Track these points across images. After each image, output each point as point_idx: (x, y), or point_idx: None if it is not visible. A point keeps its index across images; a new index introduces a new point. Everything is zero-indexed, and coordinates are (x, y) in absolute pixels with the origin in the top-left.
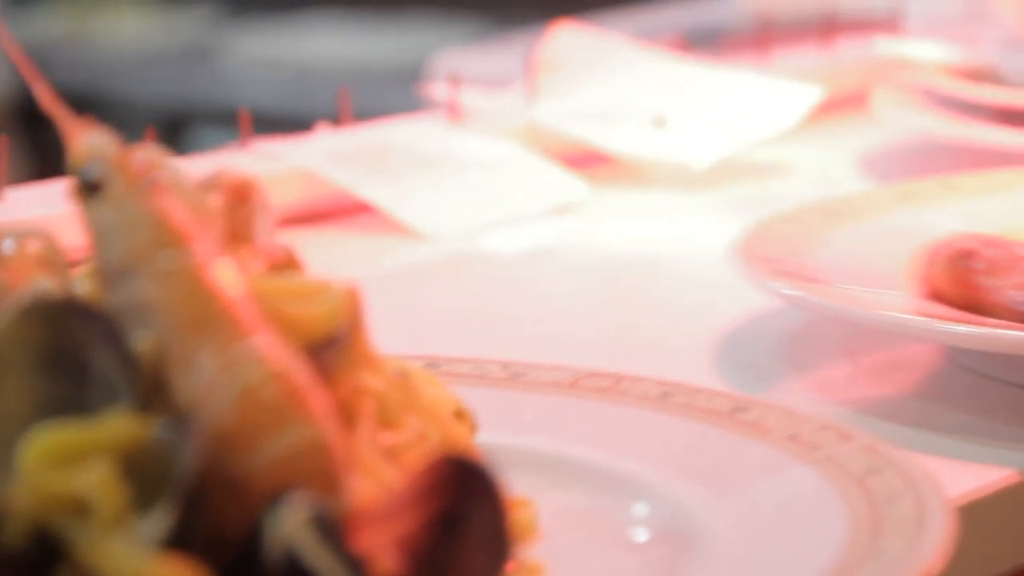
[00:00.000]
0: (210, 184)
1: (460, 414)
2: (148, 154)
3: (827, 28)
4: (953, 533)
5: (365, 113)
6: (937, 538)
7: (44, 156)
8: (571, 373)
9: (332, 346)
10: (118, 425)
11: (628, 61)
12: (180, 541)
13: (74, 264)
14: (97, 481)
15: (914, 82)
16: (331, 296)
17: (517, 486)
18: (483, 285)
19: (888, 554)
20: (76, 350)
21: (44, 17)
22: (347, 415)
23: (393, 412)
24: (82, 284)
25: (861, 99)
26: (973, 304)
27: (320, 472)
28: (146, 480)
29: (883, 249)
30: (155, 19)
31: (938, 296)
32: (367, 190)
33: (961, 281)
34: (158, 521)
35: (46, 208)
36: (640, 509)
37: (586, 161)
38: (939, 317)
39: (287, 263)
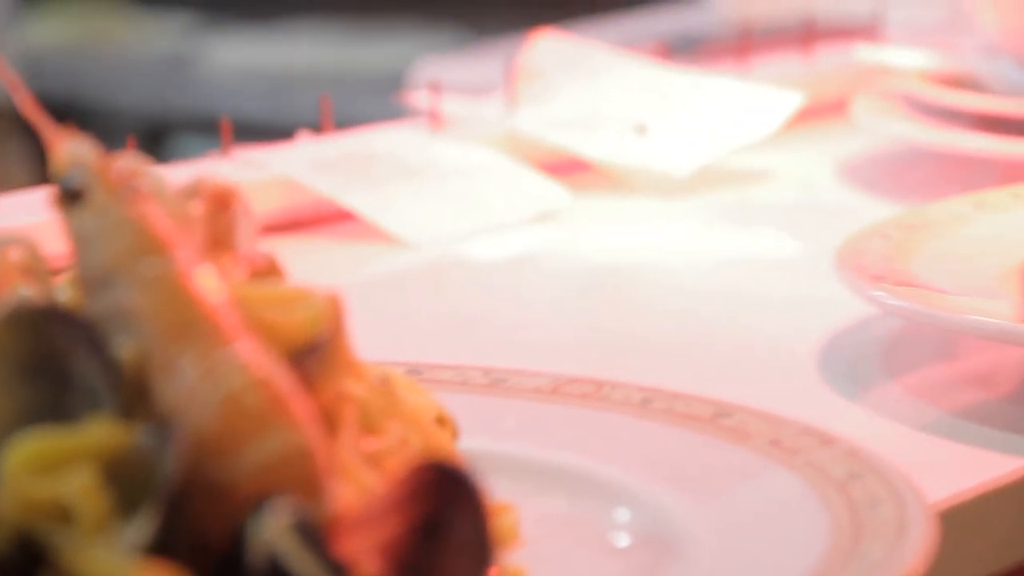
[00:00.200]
0: (191, 191)
1: (442, 420)
2: (129, 162)
3: (807, 35)
4: (934, 539)
5: (346, 121)
6: (917, 544)
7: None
8: (552, 379)
9: (314, 353)
10: (100, 432)
11: (609, 68)
12: (163, 547)
13: (56, 272)
14: (79, 487)
15: (894, 89)
16: (313, 303)
17: (499, 492)
18: (465, 292)
19: (869, 559)
20: (58, 357)
21: (34, 26)
22: (329, 421)
23: (375, 418)
24: (64, 291)
25: (841, 106)
26: None
27: (303, 478)
28: (129, 486)
29: (974, 258)
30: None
31: None
32: (349, 198)
33: None
34: (141, 527)
35: (28, 216)
36: (622, 514)
37: (567, 168)
38: None
39: (269, 270)
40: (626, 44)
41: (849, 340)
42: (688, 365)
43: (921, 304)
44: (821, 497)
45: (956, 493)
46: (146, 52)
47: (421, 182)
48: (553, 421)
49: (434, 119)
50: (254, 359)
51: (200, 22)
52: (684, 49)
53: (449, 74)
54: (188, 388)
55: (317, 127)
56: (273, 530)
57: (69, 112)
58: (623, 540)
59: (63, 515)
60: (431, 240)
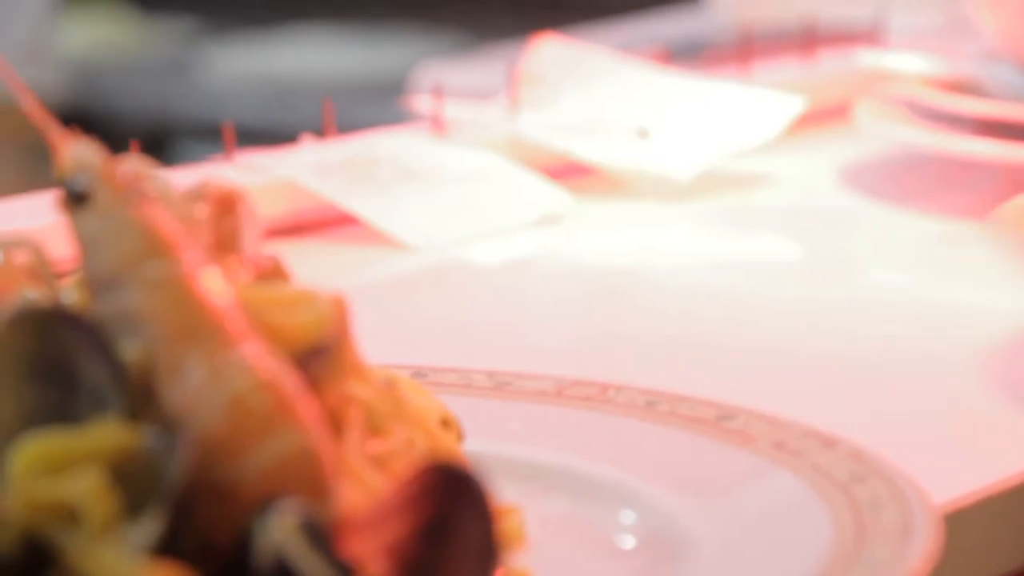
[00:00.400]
0: (196, 194)
1: (447, 423)
2: (134, 165)
3: (809, 40)
4: (938, 541)
5: (349, 126)
6: (921, 546)
7: None
8: (556, 382)
9: (319, 355)
10: (107, 433)
11: (611, 73)
12: (170, 548)
13: (62, 275)
14: (87, 489)
15: (896, 94)
16: (318, 305)
17: (504, 494)
18: (468, 296)
19: (872, 562)
20: (64, 359)
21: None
22: (335, 423)
23: (380, 421)
24: (70, 294)
25: (843, 111)
26: None
27: (309, 479)
28: (135, 488)
29: None
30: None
31: None
32: (352, 202)
33: None
34: (147, 528)
35: (34, 220)
36: (626, 517)
37: (569, 172)
38: None
39: (274, 272)
40: (628, 49)
41: (851, 343)
42: (691, 368)
43: None
44: (825, 499)
45: (960, 496)
46: (149, 58)
47: (424, 186)
48: (557, 424)
49: (437, 124)
50: (260, 361)
51: (203, 28)
52: (686, 54)
53: (451, 79)
54: (194, 390)
55: (320, 132)
56: (280, 531)
57: (71, 117)
58: (627, 542)
59: (70, 516)
60: (434, 244)
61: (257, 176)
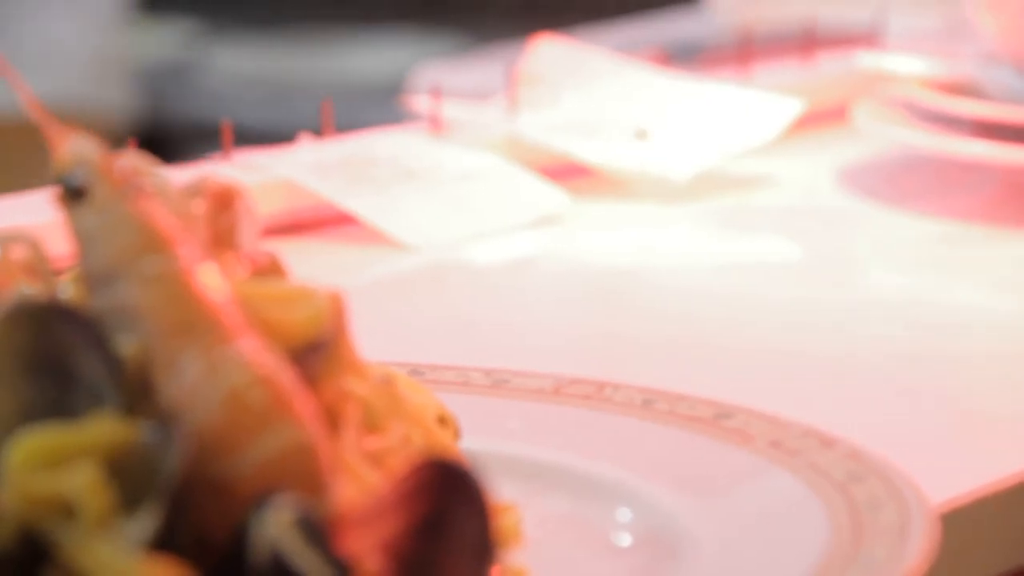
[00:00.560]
0: (194, 190)
1: (444, 420)
2: (132, 160)
3: (808, 42)
4: (935, 541)
5: (347, 126)
6: (918, 546)
7: None
8: (554, 380)
9: (316, 351)
10: (103, 428)
11: (609, 74)
12: (166, 543)
13: (60, 271)
14: (83, 483)
15: (895, 96)
16: (315, 301)
17: (501, 492)
18: (466, 295)
19: (870, 561)
20: (61, 354)
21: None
22: (332, 420)
23: (377, 417)
24: (67, 289)
25: (842, 112)
26: None
27: (305, 475)
28: (132, 483)
29: None
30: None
31: None
32: (350, 201)
33: None
34: (144, 523)
35: (31, 217)
36: (623, 515)
37: (568, 173)
38: None
39: (271, 269)
40: (627, 50)
41: (850, 343)
42: (689, 367)
43: None
44: (822, 499)
45: (958, 495)
46: (148, 58)
47: (422, 186)
48: (555, 422)
49: (435, 124)
50: (257, 357)
51: (202, 29)
52: (685, 55)
53: (450, 79)
54: (191, 385)
55: (318, 132)
56: (276, 526)
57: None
58: (625, 540)
59: (66, 511)
60: (432, 244)
61: (255, 175)
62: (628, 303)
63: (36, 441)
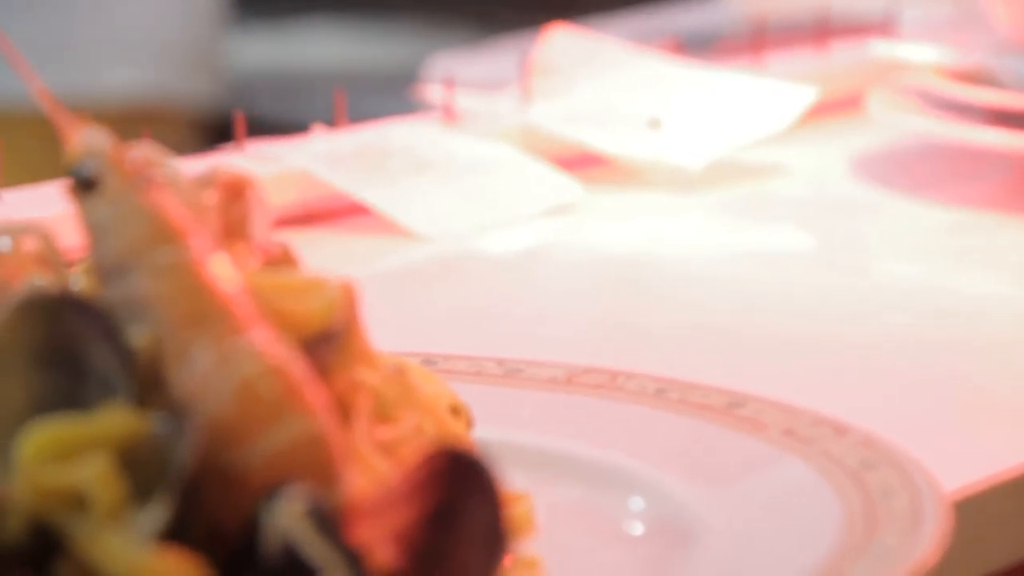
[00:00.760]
0: (206, 181)
1: (456, 410)
2: (143, 151)
3: (821, 32)
4: (948, 528)
5: (360, 117)
6: (932, 533)
7: None
8: (567, 370)
9: (328, 341)
10: (115, 419)
11: (622, 63)
12: (178, 534)
13: (71, 263)
14: (95, 475)
15: (908, 84)
16: (327, 292)
17: (513, 481)
18: (479, 285)
19: (882, 549)
20: (72, 345)
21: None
22: (343, 410)
23: (389, 407)
24: (79, 280)
25: (856, 101)
26: None
27: (317, 465)
28: (143, 474)
29: None
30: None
31: None
32: (363, 192)
33: None
34: (155, 514)
35: (43, 209)
36: (636, 503)
37: (581, 163)
38: None
39: (283, 259)
40: (640, 40)
41: (862, 331)
42: (702, 356)
43: None
44: (835, 487)
45: (971, 483)
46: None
47: (436, 176)
48: (567, 411)
49: (448, 114)
50: (268, 347)
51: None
52: (698, 45)
53: (463, 70)
54: (202, 375)
55: (331, 123)
56: (287, 517)
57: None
58: (637, 529)
59: (78, 503)
60: (445, 233)
61: (268, 166)
62: (641, 292)
63: (48, 433)
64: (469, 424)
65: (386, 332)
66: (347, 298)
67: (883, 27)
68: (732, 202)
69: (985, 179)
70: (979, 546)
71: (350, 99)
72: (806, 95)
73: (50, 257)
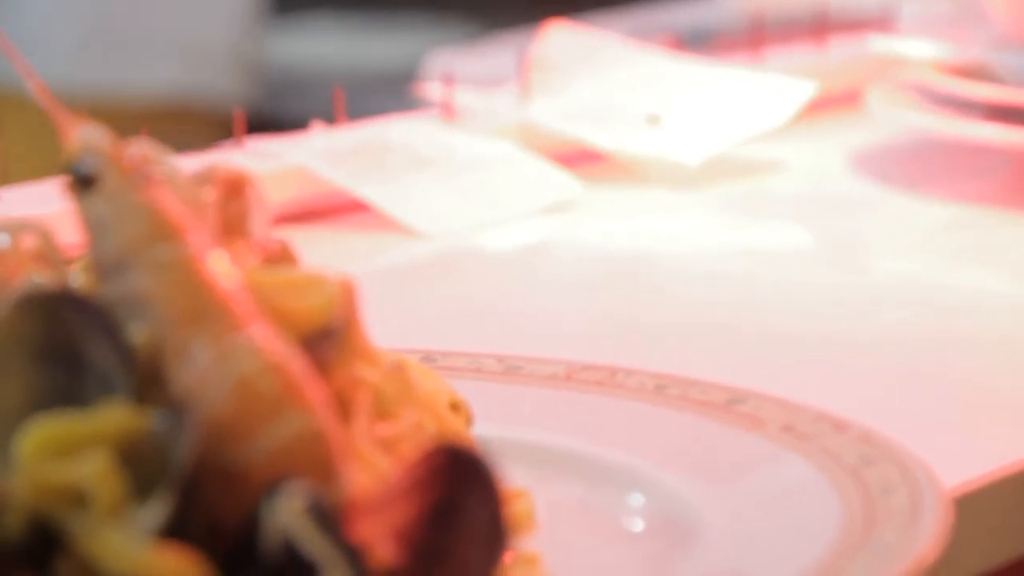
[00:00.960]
0: (204, 178)
1: (456, 406)
2: (142, 148)
3: (820, 27)
4: (948, 524)
5: (359, 114)
6: (931, 529)
7: None
8: (566, 366)
9: (327, 338)
10: (115, 416)
11: (621, 59)
12: (177, 531)
13: (70, 260)
14: (94, 471)
15: (907, 80)
16: (326, 288)
17: (513, 478)
18: (478, 282)
19: (882, 545)
20: (71, 342)
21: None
22: (343, 406)
23: (389, 404)
24: (77, 277)
25: (854, 97)
26: None
27: (317, 462)
28: (143, 471)
29: None
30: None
31: None
32: (362, 188)
33: None
34: (155, 511)
35: (42, 207)
36: (636, 500)
37: (580, 159)
38: None
39: (282, 256)
40: (639, 36)
41: (862, 327)
42: (701, 352)
43: None
44: (834, 483)
45: (971, 479)
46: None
47: (434, 173)
48: (567, 408)
49: (447, 111)
50: (267, 343)
51: None
52: (697, 41)
53: (462, 67)
54: (202, 372)
55: (330, 120)
56: (287, 513)
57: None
58: (637, 525)
59: (78, 499)
60: (444, 230)
61: (267, 163)
62: (640, 288)
63: (47, 430)
64: (469, 421)
65: (385, 329)
66: (346, 295)
67: (881, 23)
68: (731, 198)
69: (984, 175)
70: (979, 542)
71: (349, 96)
72: (804, 91)
73: (49, 254)
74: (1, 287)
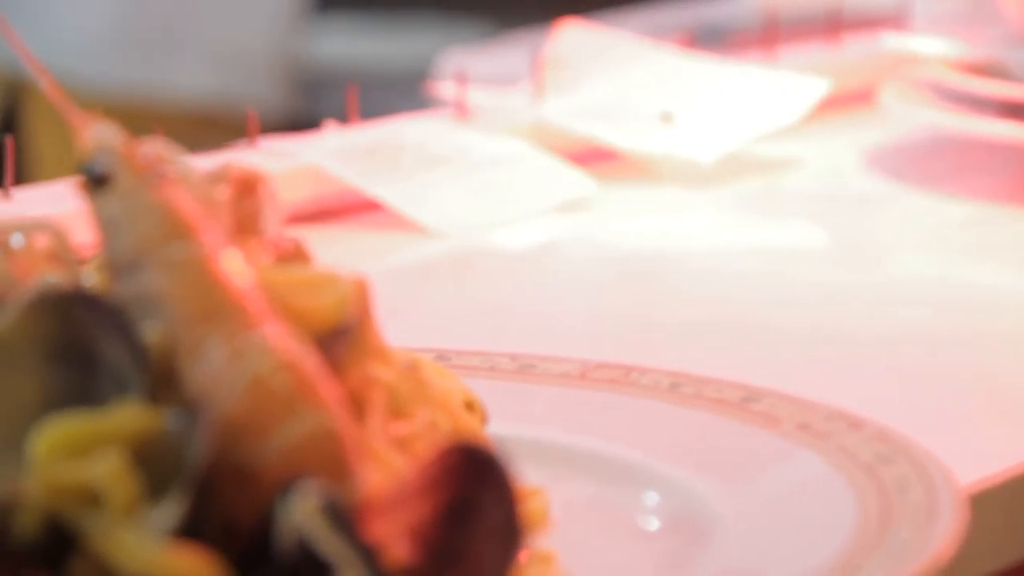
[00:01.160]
0: (217, 176)
1: (470, 405)
2: (155, 147)
3: (834, 25)
4: (964, 522)
5: (373, 113)
6: (947, 527)
7: None
8: (580, 365)
9: (341, 337)
10: (128, 415)
11: (634, 57)
12: (192, 531)
13: (83, 260)
14: (108, 471)
15: (921, 77)
16: (340, 287)
17: (528, 476)
18: (492, 281)
19: (898, 543)
20: (85, 342)
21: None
22: (357, 405)
23: (403, 403)
24: (91, 276)
25: (868, 95)
26: None
27: (331, 461)
28: (157, 470)
29: None
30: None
31: None
32: (376, 188)
33: None
34: (170, 511)
35: (54, 206)
36: (650, 498)
37: (593, 158)
38: None
39: (295, 255)
40: (652, 34)
41: (876, 325)
42: (716, 350)
43: None
44: (850, 481)
45: (987, 476)
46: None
47: (448, 172)
48: (581, 406)
49: (460, 110)
50: (281, 342)
51: None
52: (710, 39)
53: (475, 66)
54: (215, 371)
55: (343, 119)
56: (302, 513)
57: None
58: (652, 524)
59: (92, 499)
60: (458, 229)
61: (281, 162)
62: (654, 287)
63: (61, 429)
64: (483, 419)
65: (399, 328)
66: (360, 294)
67: (896, 20)
68: (745, 196)
69: (998, 172)
70: (995, 540)
71: (362, 95)
72: (818, 88)
73: (63, 254)
74: (15, 287)
